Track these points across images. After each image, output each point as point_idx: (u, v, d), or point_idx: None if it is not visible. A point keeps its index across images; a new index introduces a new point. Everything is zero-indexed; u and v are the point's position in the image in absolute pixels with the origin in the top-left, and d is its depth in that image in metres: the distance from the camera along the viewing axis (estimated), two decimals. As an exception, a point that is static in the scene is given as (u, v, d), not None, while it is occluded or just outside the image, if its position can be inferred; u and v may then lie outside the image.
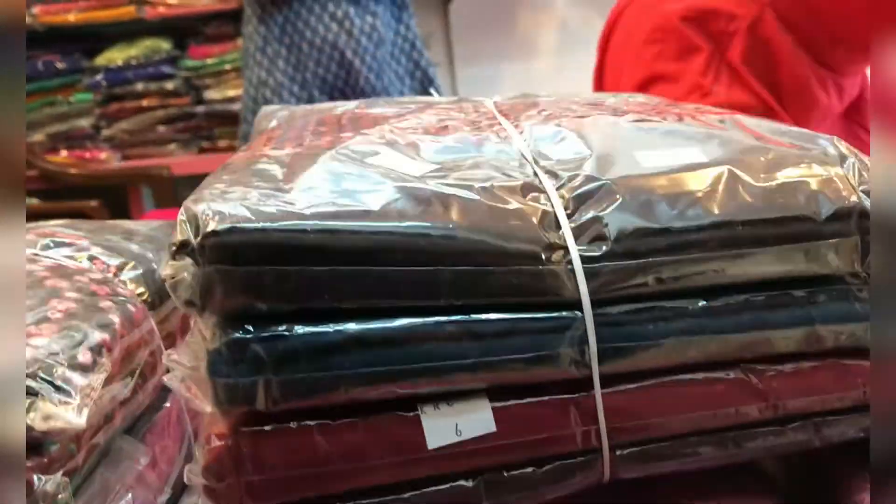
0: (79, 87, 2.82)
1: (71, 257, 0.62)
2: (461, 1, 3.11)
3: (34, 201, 2.53)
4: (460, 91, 3.25)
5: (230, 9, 2.78)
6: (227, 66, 2.82)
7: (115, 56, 2.79)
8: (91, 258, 0.62)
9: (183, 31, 2.89)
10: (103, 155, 2.86)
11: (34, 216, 2.28)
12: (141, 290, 0.62)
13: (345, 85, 2.28)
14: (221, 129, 2.87)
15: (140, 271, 0.64)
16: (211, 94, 2.84)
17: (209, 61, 2.81)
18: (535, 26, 3.27)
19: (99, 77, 2.78)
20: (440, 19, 3.18)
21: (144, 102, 2.82)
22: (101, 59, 2.80)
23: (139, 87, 2.81)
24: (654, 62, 1.40)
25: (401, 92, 2.36)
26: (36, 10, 2.72)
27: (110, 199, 2.82)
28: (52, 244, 0.63)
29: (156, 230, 0.74)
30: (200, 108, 2.84)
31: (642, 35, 1.42)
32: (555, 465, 0.45)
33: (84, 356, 0.48)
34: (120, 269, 0.64)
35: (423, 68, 2.43)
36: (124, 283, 0.61)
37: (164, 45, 2.82)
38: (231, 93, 2.83)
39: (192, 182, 2.65)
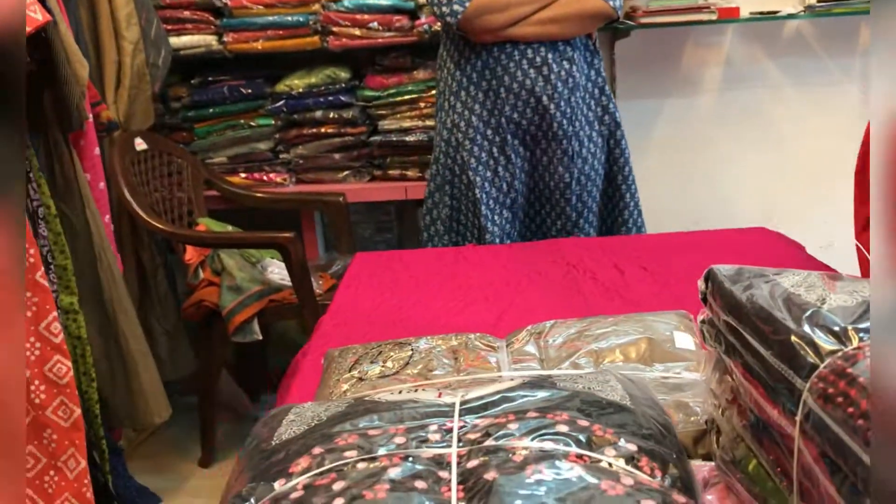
0: (261, 111, 2.90)
1: (619, 459, 0.60)
2: (629, 38, 3.10)
3: (227, 227, 2.62)
4: (623, 124, 3.25)
5: (409, 41, 2.83)
6: (403, 97, 2.87)
7: (297, 83, 2.86)
8: (636, 459, 0.61)
9: (359, 60, 2.95)
10: (279, 178, 2.94)
11: (234, 244, 2.35)
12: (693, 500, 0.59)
13: (537, 129, 2.31)
14: (393, 159, 2.93)
15: (678, 473, 0.59)
16: (385, 124, 2.89)
17: (385, 92, 2.86)
18: (700, 63, 3.24)
19: (280, 103, 2.87)
20: (607, 54, 3.18)
21: (322, 129, 2.89)
22: (282, 86, 2.87)
23: (318, 114, 2.88)
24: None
25: (589, 136, 2.38)
26: (227, 38, 2.81)
27: (285, 221, 2.91)
28: (591, 440, 0.60)
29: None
30: (375, 138, 2.89)
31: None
32: None
33: None
34: (663, 469, 0.59)
35: (612, 113, 2.44)
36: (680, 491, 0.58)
37: (343, 73, 2.88)
38: (406, 124, 2.88)
39: (362, 209, 2.72)
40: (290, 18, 2.81)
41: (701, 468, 0.79)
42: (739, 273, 0.72)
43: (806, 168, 3.30)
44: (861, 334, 0.56)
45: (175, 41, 2.79)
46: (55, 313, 1.69)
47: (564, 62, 2.30)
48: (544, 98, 2.27)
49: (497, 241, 2.36)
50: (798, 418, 0.54)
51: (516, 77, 2.26)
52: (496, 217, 2.37)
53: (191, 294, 2.55)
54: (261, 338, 2.47)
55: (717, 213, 3.36)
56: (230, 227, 2.64)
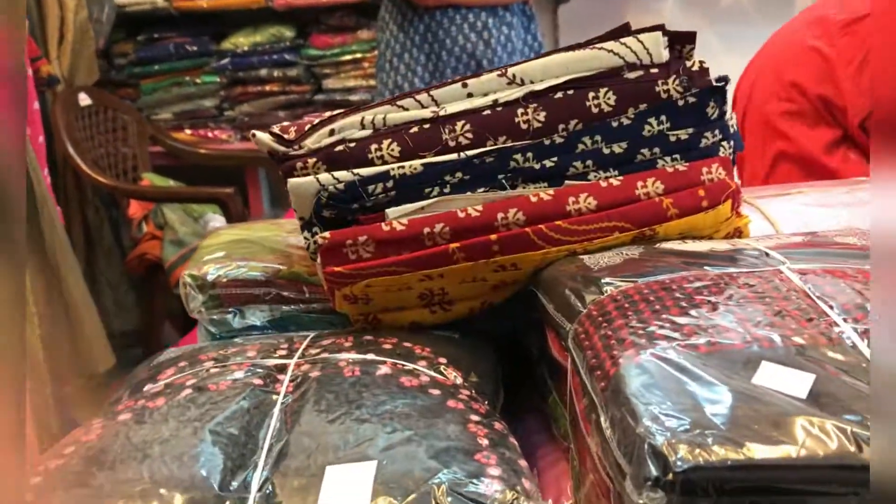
0: (206, 69, 2.93)
1: (429, 368, 0.70)
2: (571, 3, 3.16)
3: (170, 182, 2.66)
4: (562, 88, 3.32)
5: (353, 1, 2.87)
6: (347, 57, 2.91)
7: (242, 41, 2.89)
8: (442, 367, 0.71)
9: (305, 19, 2.98)
10: (224, 135, 2.98)
11: (175, 198, 2.39)
12: (486, 401, 0.71)
13: (476, 92, 2.38)
14: (338, 118, 2.97)
15: (477, 380, 0.72)
16: (330, 83, 2.94)
17: (330, 51, 2.91)
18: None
19: (225, 61, 2.90)
20: (549, 20, 3.24)
21: (267, 88, 2.93)
22: (228, 44, 2.90)
23: (262, 72, 2.91)
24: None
25: (526, 99, 2.46)
26: (173, -5, 2.83)
27: (230, 177, 2.94)
28: (410, 354, 0.71)
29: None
30: (320, 97, 2.94)
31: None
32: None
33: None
34: (465, 377, 0.71)
35: (547, 77, 2.51)
36: (476, 398, 0.68)
37: (288, 32, 2.92)
38: (350, 83, 2.93)
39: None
40: (234, -23, 2.83)
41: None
42: None
43: (741, 133, 3.41)
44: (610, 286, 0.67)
45: (120, -3, 2.80)
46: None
47: (504, 27, 2.36)
48: (485, 62, 2.34)
49: (436, 198, 2.44)
50: (569, 355, 0.65)
51: (458, 41, 2.32)
52: (435, 176, 2.45)
53: (134, 247, 2.59)
54: (203, 291, 2.51)
55: (655, 176, 3.45)
56: (172, 183, 2.68)
